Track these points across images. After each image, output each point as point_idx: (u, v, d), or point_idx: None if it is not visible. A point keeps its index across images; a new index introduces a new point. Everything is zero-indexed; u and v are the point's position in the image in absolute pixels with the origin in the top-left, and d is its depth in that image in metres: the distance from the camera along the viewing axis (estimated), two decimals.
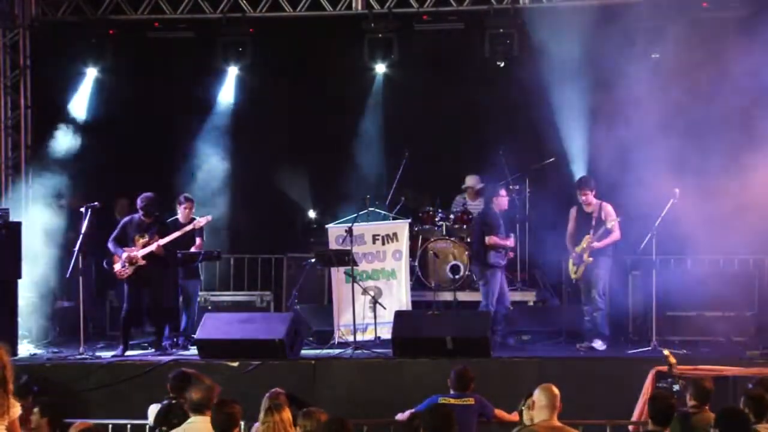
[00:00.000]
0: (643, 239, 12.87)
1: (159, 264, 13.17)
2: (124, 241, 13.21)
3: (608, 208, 13.20)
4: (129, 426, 10.05)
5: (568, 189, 13.85)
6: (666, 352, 11.13)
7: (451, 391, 9.81)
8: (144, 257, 13.04)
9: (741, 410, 6.93)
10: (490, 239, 13.33)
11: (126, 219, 13.42)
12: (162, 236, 13.14)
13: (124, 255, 13.05)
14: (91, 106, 16.17)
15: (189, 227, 13.50)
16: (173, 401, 9.08)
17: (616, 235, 13.11)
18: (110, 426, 10.27)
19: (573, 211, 13.40)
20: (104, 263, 13.59)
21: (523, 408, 8.16)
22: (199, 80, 16.15)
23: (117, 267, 13.19)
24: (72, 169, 15.69)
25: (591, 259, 13.03)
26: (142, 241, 13.14)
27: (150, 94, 16.07)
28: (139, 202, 13.27)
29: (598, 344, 12.96)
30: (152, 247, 13.04)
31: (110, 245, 13.26)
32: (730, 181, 13.23)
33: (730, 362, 11.40)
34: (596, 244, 13.05)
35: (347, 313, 13.55)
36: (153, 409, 9.23)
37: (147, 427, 9.56)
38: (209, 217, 13.69)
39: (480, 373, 10.57)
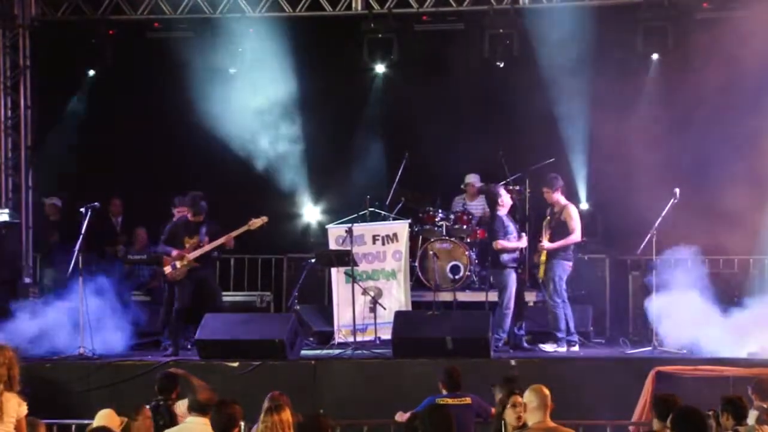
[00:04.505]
0: (642, 239, 12.85)
1: (209, 264, 13.24)
2: (173, 244, 13.25)
3: (570, 209, 13.14)
4: None
5: (568, 189, 13.82)
6: (513, 362, 11.10)
7: (444, 392, 9.80)
8: (196, 258, 13.06)
9: (697, 410, 6.91)
10: (496, 244, 13.29)
11: (173, 221, 13.43)
12: (212, 236, 13.12)
13: (175, 253, 13.08)
14: (91, 106, 16.18)
15: (243, 228, 13.25)
16: (161, 402, 9.12)
17: (572, 237, 13.03)
18: None
19: (548, 211, 13.42)
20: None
21: (506, 409, 8.11)
22: (198, 80, 16.13)
23: (167, 269, 13.18)
24: (71, 170, 15.70)
25: (543, 258, 13.10)
26: (191, 242, 13.12)
27: (149, 95, 16.08)
28: (188, 201, 13.26)
29: (550, 346, 12.96)
30: (222, 240, 13.00)
31: (160, 248, 13.31)
32: (730, 181, 13.23)
33: (730, 362, 11.39)
34: (547, 245, 13.10)
35: (347, 313, 13.55)
36: None
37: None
38: (265, 219, 13.37)
39: (480, 374, 10.56)
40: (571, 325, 13.09)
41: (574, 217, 13.08)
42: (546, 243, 13.08)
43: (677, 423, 6.75)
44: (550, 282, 13.05)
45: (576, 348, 13.05)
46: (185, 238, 13.18)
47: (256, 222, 13.29)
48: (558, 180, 13.28)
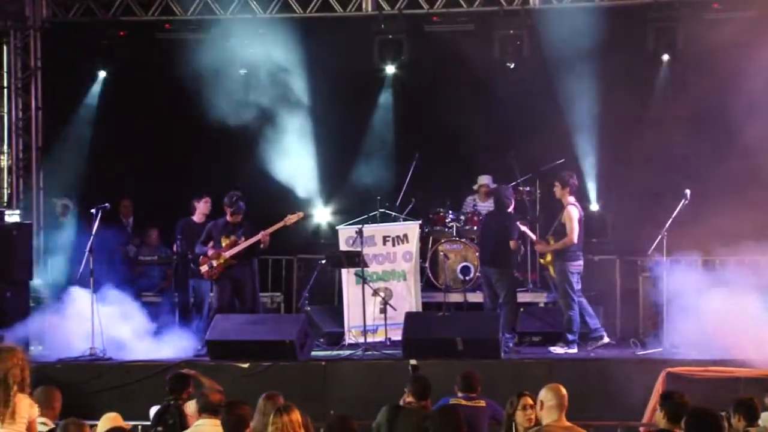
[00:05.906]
0: (653, 240, 12.82)
1: (246, 264, 13.31)
2: (209, 244, 13.36)
3: (570, 211, 12.96)
4: (139, 427, 10.07)
5: (578, 190, 13.80)
6: (413, 361, 11.17)
7: (459, 393, 9.80)
8: (233, 256, 13.13)
9: (712, 411, 6.89)
10: (514, 244, 13.27)
11: (210, 223, 13.52)
12: (249, 235, 13.17)
13: (211, 252, 13.16)
14: (102, 107, 16.21)
15: (279, 224, 13.33)
16: (171, 402, 9.15)
17: (567, 239, 12.87)
18: None
19: None
20: (191, 264, 13.65)
21: (516, 410, 8.09)
22: (209, 82, 16.14)
23: (204, 268, 13.26)
24: (82, 170, 15.72)
25: (547, 257, 13.19)
26: (228, 241, 13.18)
27: (160, 96, 16.09)
28: (226, 200, 13.36)
29: (560, 348, 12.87)
30: (258, 237, 13.08)
31: (197, 249, 13.39)
32: (739, 182, 13.20)
33: (740, 364, 11.35)
34: (537, 247, 13.22)
35: (357, 314, 13.55)
36: (154, 411, 9.29)
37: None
38: (301, 214, 13.52)
39: (490, 375, 10.54)
40: (590, 323, 13.06)
41: (571, 219, 12.96)
42: (538, 245, 13.20)
43: (692, 425, 6.72)
44: (558, 286, 13.10)
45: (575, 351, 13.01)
46: (222, 238, 13.26)
47: (292, 218, 13.40)
48: (570, 178, 13.13)
